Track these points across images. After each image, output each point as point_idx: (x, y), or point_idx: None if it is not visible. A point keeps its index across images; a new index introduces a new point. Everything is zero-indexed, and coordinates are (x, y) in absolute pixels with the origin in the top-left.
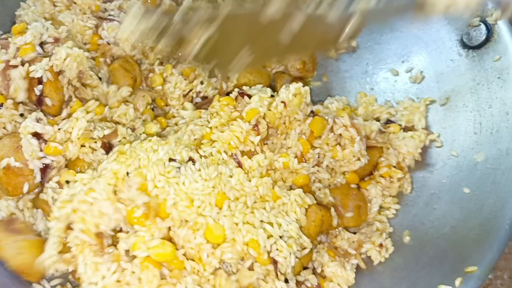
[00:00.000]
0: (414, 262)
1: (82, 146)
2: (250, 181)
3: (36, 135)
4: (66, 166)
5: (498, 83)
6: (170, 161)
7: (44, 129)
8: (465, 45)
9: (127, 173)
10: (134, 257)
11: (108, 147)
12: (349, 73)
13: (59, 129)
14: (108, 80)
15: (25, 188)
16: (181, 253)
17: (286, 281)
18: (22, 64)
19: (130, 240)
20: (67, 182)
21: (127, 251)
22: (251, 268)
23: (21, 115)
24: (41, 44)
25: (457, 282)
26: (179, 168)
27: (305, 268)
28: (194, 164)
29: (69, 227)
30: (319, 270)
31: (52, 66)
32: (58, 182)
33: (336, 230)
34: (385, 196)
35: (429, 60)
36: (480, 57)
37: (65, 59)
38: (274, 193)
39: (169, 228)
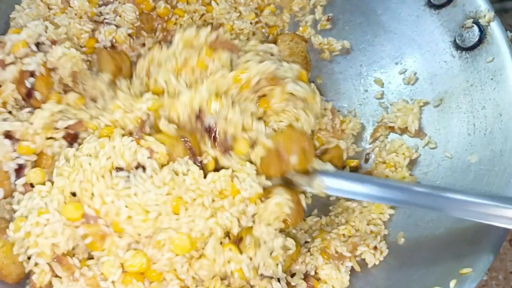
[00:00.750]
0: (408, 264)
1: (49, 138)
2: (205, 177)
3: (8, 136)
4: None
5: (491, 84)
6: (117, 171)
7: (13, 126)
8: (458, 47)
9: (73, 194)
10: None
11: (72, 139)
12: (343, 74)
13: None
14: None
15: (0, 194)
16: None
17: (278, 280)
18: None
19: (99, 267)
20: (32, 185)
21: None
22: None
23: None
24: (38, 44)
25: (452, 284)
26: (128, 177)
27: (293, 275)
28: (144, 171)
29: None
30: (312, 273)
31: (46, 61)
32: (24, 185)
33: (329, 235)
34: None
35: (422, 62)
36: (473, 59)
37: (60, 58)
38: (233, 187)
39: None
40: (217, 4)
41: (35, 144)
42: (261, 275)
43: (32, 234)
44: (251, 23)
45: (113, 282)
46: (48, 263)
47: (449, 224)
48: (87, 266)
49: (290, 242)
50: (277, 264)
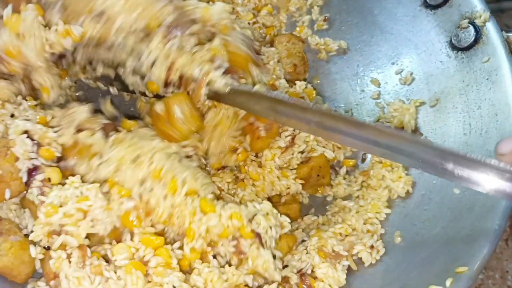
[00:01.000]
0: (405, 263)
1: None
2: None
3: (29, 137)
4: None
5: (487, 84)
6: None
7: (35, 127)
8: (454, 47)
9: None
10: (115, 266)
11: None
12: (339, 75)
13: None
14: None
15: (7, 194)
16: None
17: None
18: None
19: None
20: (49, 180)
21: (107, 262)
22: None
23: (12, 115)
24: None
25: (448, 282)
26: None
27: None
28: None
29: (53, 233)
30: (309, 271)
31: None
32: (43, 180)
33: (325, 233)
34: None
35: (418, 62)
36: (469, 59)
37: None
38: None
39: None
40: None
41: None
42: (252, 230)
43: (72, 217)
44: (248, 23)
45: (115, 270)
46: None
47: (446, 223)
48: (96, 255)
49: (284, 219)
50: (270, 227)
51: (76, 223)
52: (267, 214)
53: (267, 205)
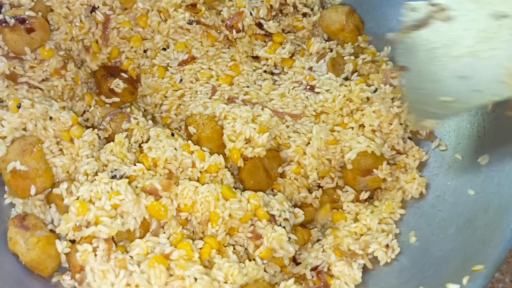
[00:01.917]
0: (421, 262)
1: None
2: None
3: None
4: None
5: None
6: None
7: None
8: None
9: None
10: (138, 260)
11: None
12: None
13: None
14: None
15: (32, 191)
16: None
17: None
18: None
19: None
20: None
21: (131, 257)
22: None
23: (50, 118)
24: None
25: (465, 280)
26: None
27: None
28: None
29: (79, 228)
30: (325, 269)
31: None
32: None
33: (341, 232)
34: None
35: None
36: None
37: None
38: None
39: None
40: None
41: None
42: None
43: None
44: None
45: (138, 264)
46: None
47: (461, 223)
48: (121, 249)
49: (298, 210)
50: (284, 211)
51: (108, 216)
52: (282, 201)
53: (281, 195)
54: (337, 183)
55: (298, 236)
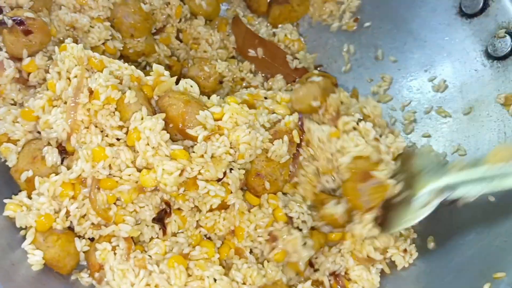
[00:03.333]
0: (439, 267)
1: None
2: None
3: None
4: None
5: None
6: None
7: None
8: (489, 56)
9: None
10: (157, 260)
11: None
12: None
13: None
14: None
15: None
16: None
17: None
18: None
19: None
20: None
21: (150, 256)
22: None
23: None
24: None
25: (486, 287)
26: None
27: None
28: None
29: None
30: (342, 273)
31: None
32: None
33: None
34: None
35: (452, 70)
36: (504, 68)
37: None
38: None
39: None
40: None
41: None
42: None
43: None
44: None
45: (157, 264)
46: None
47: (480, 229)
48: (139, 249)
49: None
50: (302, 213)
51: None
52: (301, 202)
53: (299, 196)
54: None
55: (314, 240)
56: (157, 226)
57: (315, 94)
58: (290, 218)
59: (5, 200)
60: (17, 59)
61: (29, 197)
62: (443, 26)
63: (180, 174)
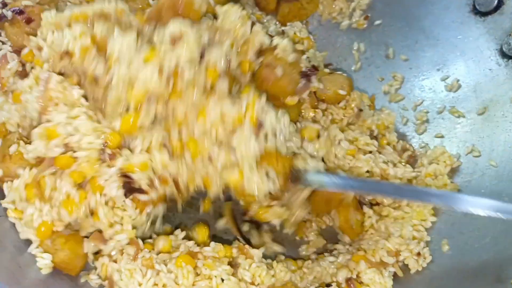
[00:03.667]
0: (454, 271)
1: None
2: None
3: None
4: None
5: None
6: None
7: None
8: (504, 55)
9: None
10: (164, 260)
11: None
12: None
13: None
14: None
15: None
16: None
17: None
18: None
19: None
20: None
21: (158, 254)
22: None
23: None
24: None
25: None
26: None
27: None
28: None
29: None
30: (354, 276)
31: None
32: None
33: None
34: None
35: (466, 69)
36: None
37: None
38: None
39: None
40: None
41: None
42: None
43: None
44: None
45: (165, 263)
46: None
47: (496, 233)
48: (148, 247)
49: None
50: None
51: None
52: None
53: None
54: None
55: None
56: (129, 203)
57: (343, 83)
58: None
59: (4, 205)
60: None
61: None
62: (456, 24)
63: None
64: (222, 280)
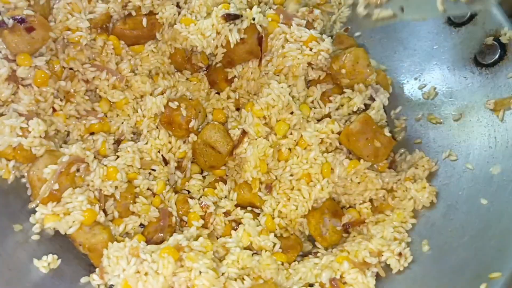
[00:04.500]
0: (434, 270)
1: None
2: None
3: None
4: None
5: None
6: None
7: None
8: (478, 63)
9: None
10: (154, 250)
11: None
12: None
13: None
14: None
15: None
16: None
17: None
18: None
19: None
20: None
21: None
22: None
23: None
24: None
25: (482, 287)
26: None
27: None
28: None
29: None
30: (338, 277)
31: None
32: None
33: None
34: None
35: (442, 77)
36: (493, 75)
37: None
38: None
39: None
40: None
41: None
42: None
43: None
44: None
45: (151, 254)
46: None
47: (474, 232)
48: (138, 239)
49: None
50: None
51: None
52: None
53: None
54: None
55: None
56: None
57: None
58: None
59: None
60: (12, 60)
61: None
62: (432, 35)
63: None
64: (200, 272)
